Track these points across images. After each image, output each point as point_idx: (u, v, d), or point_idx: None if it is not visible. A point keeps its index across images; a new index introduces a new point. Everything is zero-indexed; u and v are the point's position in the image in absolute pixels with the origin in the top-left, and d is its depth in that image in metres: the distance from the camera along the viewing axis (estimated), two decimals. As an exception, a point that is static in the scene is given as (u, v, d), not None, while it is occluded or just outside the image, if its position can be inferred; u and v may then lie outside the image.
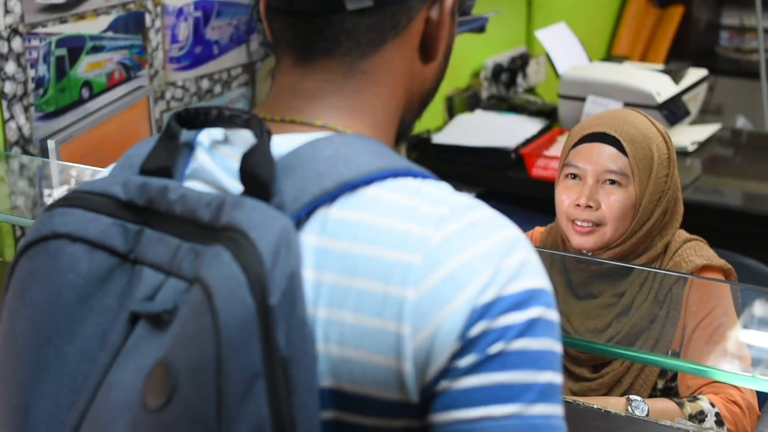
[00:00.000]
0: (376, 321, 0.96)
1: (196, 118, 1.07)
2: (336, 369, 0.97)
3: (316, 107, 1.10)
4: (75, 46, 2.60)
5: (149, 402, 0.94)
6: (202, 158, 1.08)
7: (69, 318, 1.03)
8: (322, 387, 0.97)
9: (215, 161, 1.07)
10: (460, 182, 3.75)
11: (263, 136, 1.01)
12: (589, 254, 2.20)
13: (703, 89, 4.17)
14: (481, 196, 3.69)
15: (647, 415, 2.01)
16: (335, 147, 1.02)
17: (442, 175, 3.87)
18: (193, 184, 1.06)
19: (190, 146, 1.09)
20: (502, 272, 0.97)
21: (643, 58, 5.50)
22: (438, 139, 3.85)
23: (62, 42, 2.56)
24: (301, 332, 0.94)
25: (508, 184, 3.73)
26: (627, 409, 2.02)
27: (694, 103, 4.04)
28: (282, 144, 1.04)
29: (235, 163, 1.02)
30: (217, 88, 3.12)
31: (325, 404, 0.97)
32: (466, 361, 0.96)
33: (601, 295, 2.19)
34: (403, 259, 0.97)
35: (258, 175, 0.99)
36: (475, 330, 0.96)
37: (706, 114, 5.37)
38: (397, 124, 1.16)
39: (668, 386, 2.16)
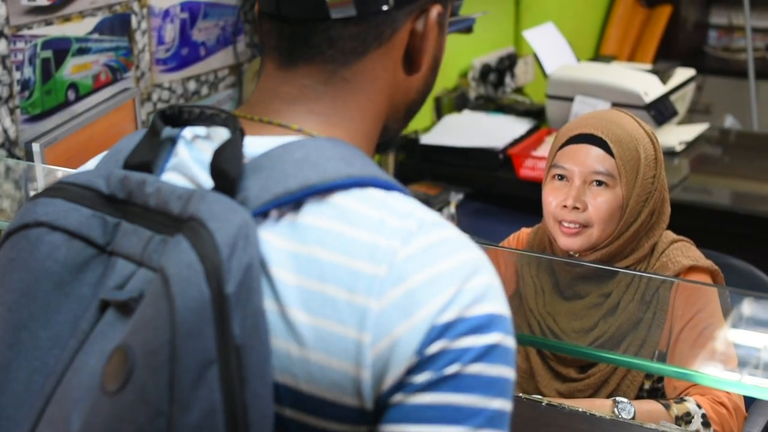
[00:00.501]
0: (338, 327, 0.98)
1: (180, 116, 1.09)
2: (295, 368, 0.99)
3: (295, 111, 1.12)
4: (61, 48, 2.59)
5: (107, 385, 0.96)
6: (181, 152, 1.10)
7: (45, 304, 1.06)
8: (280, 383, 0.99)
9: (192, 155, 1.09)
10: (448, 183, 3.75)
11: (235, 134, 1.03)
12: (576, 255, 2.20)
13: (690, 89, 4.18)
14: (469, 196, 3.71)
15: (633, 417, 2.01)
16: (305, 151, 1.04)
17: (431, 175, 3.88)
18: (171, 177, 1.09)
19: (174, 141, 1.12)
20: (466, 293, 0.99)
21: (632, 57, 5.51)
22: (426, 139, 3.85)
23: (48, 44, 2.55)
24: (256, 322, 0.96)
25: (495, 185, 3.73)
26: (613, 411, 2.02)
27: (681, 102, 4.05)
28: (257, 144, 1.06)
29: (209, 158, 1.04)
30: (204, 90, 3.12)
31: (282, 401, 1.00)
32: (421, 377, 0.97)
33: (587, 296, 2.20)
34: (370, 269, 0.98)
35: (225, 171, 1.01)
36: (434, 348, 0.97)
37: (694, 113, 5.38)
38: (379, 133, 1.17)
39: (655, 387, 2.16)
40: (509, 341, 1.01)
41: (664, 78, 3.92)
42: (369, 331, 0.97)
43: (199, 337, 0.93)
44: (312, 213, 1.01)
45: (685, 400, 2.06)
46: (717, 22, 6.23)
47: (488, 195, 3.76)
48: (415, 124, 3.99)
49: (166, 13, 2.93)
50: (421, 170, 3.83)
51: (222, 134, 1.08)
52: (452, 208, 3.66)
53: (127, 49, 2.82)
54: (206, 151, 1.07)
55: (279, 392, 0.99)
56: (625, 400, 2.05)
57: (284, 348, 0.99)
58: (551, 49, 4.11)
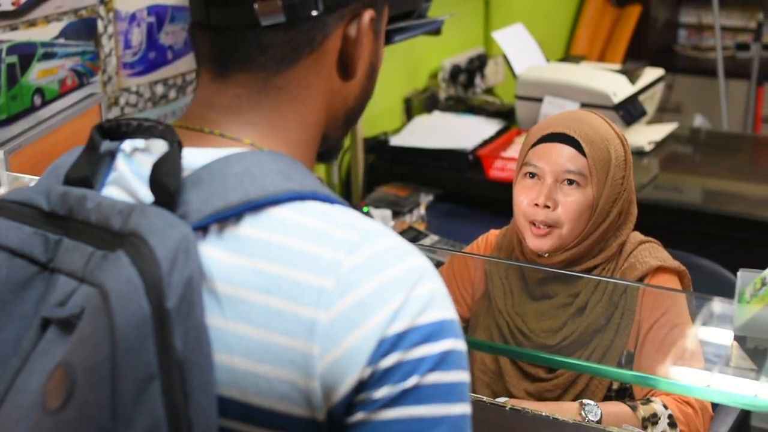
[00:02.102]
0: (285, 339, 0.98)
1: (119, 129, 1.09)
2: (241, 381, 0.99)
3: (232, 122, 1.11)
4: (26, 53, 2.58)
5: (49, 404, 0.96)
6: (120, 166, 1.10)
7: None
8: (226, 397, 0.99)
9: (131, 169, 1.09)
10: (417, 184, 3.76)
11: (173, 147, 1.03)
12: (545, 255, 2.21)
13: (659, 89, 4.19)
14: (438, 197, 3.71)
15: (600, 419, 2.02)
16: (245, 165, 1.04)
17: (400, 177, 3.88)
18: (112, 191, 1.09)
19: (114, 155, 1.11)
20: (414, 301, 0.99)
21: (602, 57, 5.52)
22: (396, 141, 3.85)
23: (13, 49, 2.53)
24: (197, 336, 0.96)
25: (465, 186, 3.74)
26: (580, 414, 2.03)
27: (650, 102, 4.06)
28: (196, 156, 1.06)
29: (148, 171, 1.04)
30: (172, 93, 3.11)
31: (229, 414, 1.00)
32: (381, 392, 0.98)
33: (556, 296, 2.20)
34: (316, 282, 0.98)
35: (165, 185, 1.01)
36: (389, 361, 0.97)
37: (664, 112, 5.41)
38: (318, 141, 1.17)
39: (623, 387, 2.17)
40: (461, 344, 1.02)
41: (632, 78, 3.93)
42: (317, 343, 0.97)
43: (139, 353, 0.93)
44: (253, 226, 1.01)
45: (651, 401, 2.06)
46: (686, 21, 6.26)
47: (458, 196, 3.76)
48: (385, 125, 4.00)
49: (132, 17, 2.91)
50: (391, 172, 3.83)
51: (161, 147, 1.07)
52: (422, 210, 3.66)
53: (94, 53, 2.80)
54: (145, 165, 1.07)
55: (226, 406, 0.99)
56: (592, 402, 2.06)
57: (229, 362, 0.99)
58: (520, 49, 4.11)
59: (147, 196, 1.05)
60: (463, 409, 1.01)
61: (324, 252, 1.00)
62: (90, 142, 1.10)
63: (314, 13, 1.08)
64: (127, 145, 1.11)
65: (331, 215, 1.03)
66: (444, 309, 1.02)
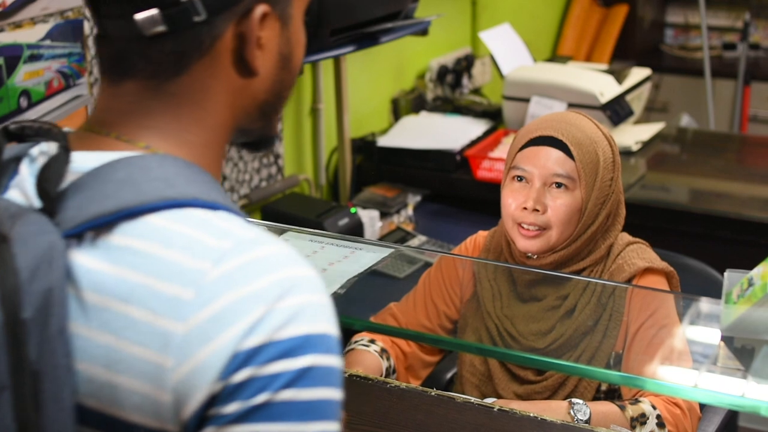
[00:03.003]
0: (140, 349, 0.97)
1: (23, 132, 1.09)
2: (100, 391, 0.99)
3: (128, 125, 1.11)
4: (12, 55, 2.57)
5: None
6: (22, 169, 1.09)
7: None
8: (86, 406, 0.99)
9: (31, 172, 1.08)
10: (405, 184, 3.76)
11: (59, 152, 1.03)
12: (534, 257, 2.21)
13: (646, 88, 4.20)
14: (426, 198, 3.71)
15: (589, 418, 2.02)
16: (129, 171, 1.03)
17: (388, 177, 3.88)
18: (13, 195, 1.08)
19: (21, 158, 1.11)
20: (275, 314, 0.97)
21: (589, 57, 5.53)
22: (383, 141, 3.85)
23: (-1, 51, 2.53)
24: (54, 346, 0.96)
25: (453, 186, 3.73)
26: (569, 413, 2.03)
27: (637, 102, 4.07)
28: (89, 160, 1.06)
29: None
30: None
31: (89, 423, 0.99)
32: (231, 408, 0.96)
33: (544, 299, 2.20)
34: (176, 292, 0.97)
35: (45, 190, 1.01)
36: (240, 376, 0.95)
37: (651, 112, 5.42)
38: (225, 141, 1.16)
39: (612, 388, 2.17)
40: (329, 360, 0.99)
41: (619, 78, 3.94)
42: (171, 355, 0.96)
43: None
44: (126, 234, 1.00)
45: (639, 401, 2.07)
46: (673, 21, 6.27)
47: (446, 196, 3.76)
48: (372, 126, 4.00)
49: (119, 19, 2.90)
50: (379, 172, 3.83)
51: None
52: (410, 210, 3.66)
53: (80, 55, 2.79)
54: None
55: (86, 415, 0.99)
56: (581, 401, 2.06)
57: (90, 371, 0.98)
58: (508, 50, 4.11)
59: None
60: (324, 427, 0.98)
61: (189, 261, 0.98)
62: None
63: (197, 19, 1.07)
64: (36, 148, 1.10)
65: (209, 222, 1.02)
66: (313, 323, 0.98)
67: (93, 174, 1.03)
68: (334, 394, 0.99)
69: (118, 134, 1.10)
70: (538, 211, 2.15)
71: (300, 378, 0.96)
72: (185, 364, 0.95)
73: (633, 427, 2.03)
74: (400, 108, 4.16)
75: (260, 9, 1.10)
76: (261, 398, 0.95)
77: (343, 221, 3.30)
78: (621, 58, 5.43)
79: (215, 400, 0.96)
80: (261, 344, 0.95)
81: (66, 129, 1.10)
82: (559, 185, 2.15)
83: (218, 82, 1.12)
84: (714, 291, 1.81)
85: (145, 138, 1.09)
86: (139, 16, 1.06)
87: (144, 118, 1.10)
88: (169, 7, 1.06)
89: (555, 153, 2.16)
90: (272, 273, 0.99)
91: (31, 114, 2.62)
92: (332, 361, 0.99)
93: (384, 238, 3.40)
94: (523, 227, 2.17)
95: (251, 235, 1.02)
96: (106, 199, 1.01)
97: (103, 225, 1.00)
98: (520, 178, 2.19)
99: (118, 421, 0.98)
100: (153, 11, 1.05)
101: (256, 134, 1.21)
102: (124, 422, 0.98)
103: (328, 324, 1.00)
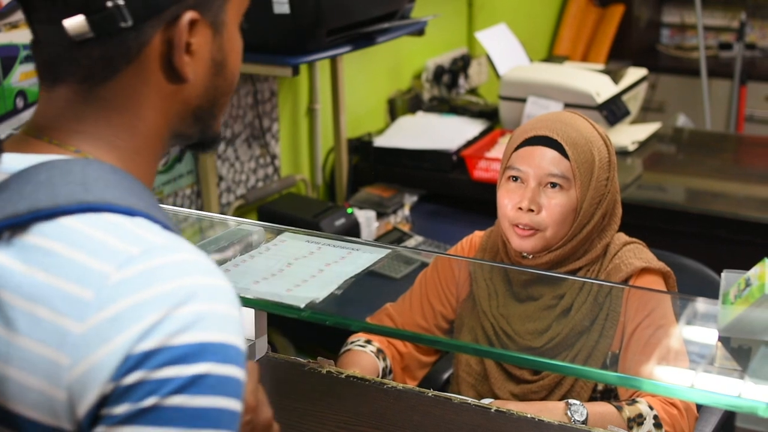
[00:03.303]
0: (40, 347, 0.99)
1: None
2: (2, 386, 1.01)
3: (61, 129, 1.13)
4: (8, 56, 2.57)
5: None
6: None
7: None
8: None
9: None
10: (402, 185, 3.76)
11: None
12: (530, 256, 2.21)
13: (642, 89, 4.20)
14: (423, 198, 3.71)
15: (586, 419, 2.02)
16: (50, 174, 1.06)
17: (384, 177, 3.86)
18: None
19: None
20: (172, 320, 0.98)
21: (585, 57, 5.53)
22: (380, 141, 3.85)
23: (-5, 51, 2.53)
24: None
25: (449, 187, 3.73)
26: (566, 414, 2.03)
27: (634, 102, 4.07)
28: (19, 162, 1.08)
29: None
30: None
31: None
32: (120, 409, 0.97)
33: (541, 298, 2.20)
34: (77, 292, 0.99)
35: None
36: (132, 378, 0.97)
37: (648, 111, 5.42)
38: (159, 146, 1.18)
39: (608, 388, 2.17)
40: (226, 370, 1.00)
41: (616, 78, 3.94)
42: (67, 354, 0.98)
43: None
44: (40, 234, 1.02)
45: (636, 402, 2.07)
46: (669, 21, 6.28)
47: (442, 197, 3.76)
48: (369, 126, 4.00)
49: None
50: (375, 172, 3.83)
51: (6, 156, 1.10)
52: (406, 211, 3.66)
53: (76, 55, 2.79)
54: None
55: None
56: (578, 402, 2.06)
57: None
58: (504, 50, 4.11)
59: None
60: None
61: (94, 264, 1.00)
62: None
63: (123, 25, 1.09)
64: None
65: (122, 227, 1.04)
66: (211, 332, 0.99)
67: (17, 175, 1.06)
68: (230, 403, 1.00)
69: (50, 138, 1.12)
70: (533, 211, 2.15)
71: (192, 385, 0.97)
72: (81, 363, 0.97)
73: (630, 428, 2.03)
74: (396, 108, 4.16)
75: (188, 16, 1.12)
76: (149, 401, 0.96)
77: (340, 221, 3.30)
78: (617, 58, 5.44)
79: (106, 400, 0.97)
80: (154, 348, 0.97)
81: (11, 132, 1.13)
82: (554, 185, 2.15)
83: (148, 88, 1.14)
84: (710, 291, 1.81)
85: (75, 142, 1.12)
86: (67, 21, 1.08)
87: (76, 123, 1.12)
88: (95, 13, 1.08)
89: (550, 153, 2.16)
90: (176, 279, 1.00)
91: (27, 115, 2.61)
92: (230, 370, 1.00)
93: (380, 239, 3.41)
94: (518, 227, 2.17)
95: (163, 242, 1.04)
96: (21, 199, 1.03)
97: (18, 225, 1.03)
98: (516, 178, 2.19)
99: (17, 416, 1.01)
100: (80, 17, 1.07)
101: (195, 138, 1.22)
102: (23, 418, 1.01)
103: (229, 334, 1.01)
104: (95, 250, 1.01)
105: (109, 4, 1.07)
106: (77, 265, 1.00)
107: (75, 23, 1.07)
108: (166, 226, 1.07)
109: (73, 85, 1.11)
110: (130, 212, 1.06)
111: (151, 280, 0.99)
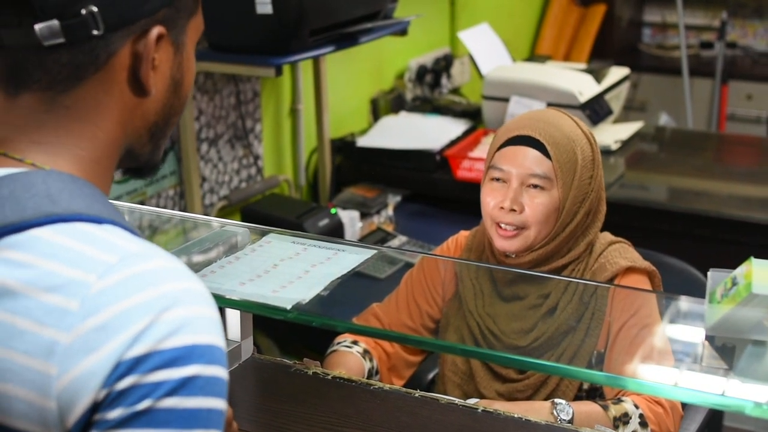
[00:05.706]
0: (25, 358, 0.99)
1: None
2: None
3: (19, 141, 1.13)
4: None
5: None
6: None
7: None
8: None
9: None
10: (385, 185, 3.76)
11: None
12: (513, 255, 2.21)
13: (625, 88, 4.21)
14: (406, 198, 3.71)
15: (572, 418, 2.02)
16: (12, 188, 1.06)
17: (368, 177, 3.86)
18: None
19: None
20: (160, 325, 0.99)
21: (567, 56, 5.54)
22: (363, 141, 3.84)
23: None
24: None
25: (433, 186, 3.74)
26: (552, 413, 2.03)
27: (616, 101, 4.07)
28: None
29: None
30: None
31: None
32: (113, 414, 0.98)
33: (526, 297, 2.20)
34: (61, 303, 0.99)
35: None
36: (124, 383, 0.98)
37: (630, 110, 5.44)
38: (116, 158, 1.18)
39: (594, 387, 2.17)
40: (213, 371, 1.02)
41: (598, 77, 3.94)
42: (56, 364, 0.98)
43: None
44: (10, 248, 1.03)
45: (622, 401, 2.07)
46: (651, 20, 6.29)
47: (426, 196, 3.77)
48: (352, 126, 3.99)
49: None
50: (359, 172, 3.82)
51: None
52: (390, 211, 3.66)
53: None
54: None
55: None
56: (564, 401, 2.06)
57: None
58: (486, 49, 4.12)
59: None
60: None
61: (75, 274, 1.01)
62: None
63: (95, 32, 1.09)
64: None
65: (95, 236, 1.04)
66: (197, 335, 1.01)
67: None
68: (218, 403, 1.02)
69: (6, 150, 1.12)
70: (515, 210, 2.15)
71: (183, 386, 0.99)
72: (70, 372, 0.98)
73: (616, 427, 2.03)
74: (379, 108, 4.16)
75: (156, 30, 1.13)
76: (144, 405, 0.98)
77: (324, 222, 3.30)
78: (599, 58, 5.45)
79: (99, 406, 0.98)
80: (145, 353, 0.98)
81: None
82: (536, 186, 2.15)
83: (112, 99, 1.14)
84: (695, 290, 1.81)
85: (32, 154, 1.12)
86: (39, 26, 1.07)
87: (35, 133, 1.12)
88: (69, 18, 1.08)
89: (532, 153, 2.16)
90: (158, 286, 1.02)
91: None
92: (216, 371, 1.02)
93: (364, 239, 3.40)
94: (501, 227, 2.18)
95: (137, 249, 1.05)
96: None
97: None
98: (498, 179, 2.19)
99: (5, 428, 1.01)
100: (53, 22, 1.08)
101: (143, 158, 1.23)
102: (10, 429, 1.01)
103: (213, 336, 1.03)
104: (73, 260, 1.01)
105: (84, 12, 1.08)
106: (57, 276, 1.00)
107: (47, 27, 1.07)
108: (133, 233, 1.08)
109: (37, 92, 1.11)
110: (98, 220, 1.06)
111: (133, 288, 1.00)
